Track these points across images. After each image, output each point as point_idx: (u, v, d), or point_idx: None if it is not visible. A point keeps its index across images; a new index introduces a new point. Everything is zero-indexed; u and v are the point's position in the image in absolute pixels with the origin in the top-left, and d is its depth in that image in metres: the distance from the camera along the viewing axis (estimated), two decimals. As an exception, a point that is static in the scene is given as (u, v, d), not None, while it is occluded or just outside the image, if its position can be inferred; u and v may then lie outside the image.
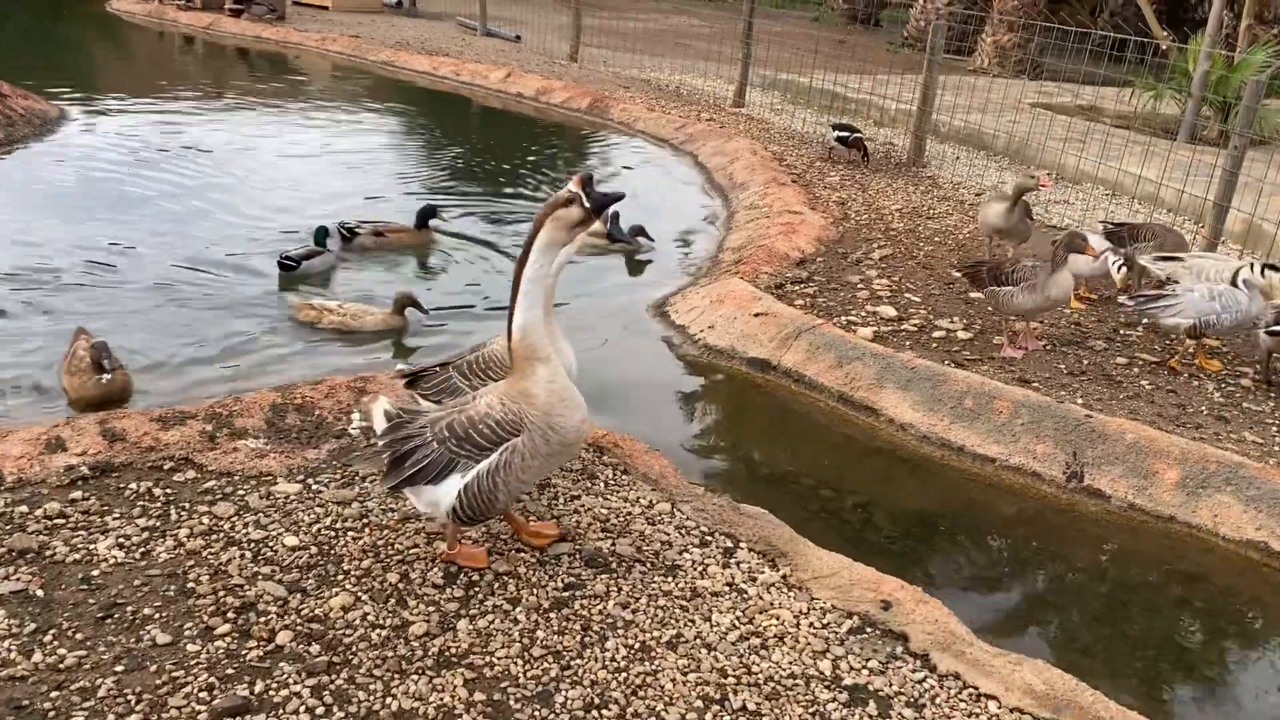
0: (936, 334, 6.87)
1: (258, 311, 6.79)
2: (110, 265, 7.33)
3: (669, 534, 4.36)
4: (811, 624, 3.87)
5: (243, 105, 13.40)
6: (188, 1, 20.49)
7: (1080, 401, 5.97)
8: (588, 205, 3.58)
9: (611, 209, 6.41)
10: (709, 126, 13.07)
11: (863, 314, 7.13)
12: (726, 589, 4.03)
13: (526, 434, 3.74)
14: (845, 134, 11.67)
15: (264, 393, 5.07)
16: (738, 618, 3.86)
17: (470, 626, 3.68)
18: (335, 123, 12.89)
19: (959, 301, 7.50)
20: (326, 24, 20.28)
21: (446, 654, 3.53)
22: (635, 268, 8.50)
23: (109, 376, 5.33)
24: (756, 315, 6.89)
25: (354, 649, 3.51)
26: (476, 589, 3.88)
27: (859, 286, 7.70)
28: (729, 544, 4.34)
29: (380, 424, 3.84)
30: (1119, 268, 6.95)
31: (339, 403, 5.11)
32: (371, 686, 3.36)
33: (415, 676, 3.42)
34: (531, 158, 12.05)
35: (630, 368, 6.51)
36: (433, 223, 8.51)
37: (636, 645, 3.67)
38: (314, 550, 4.02)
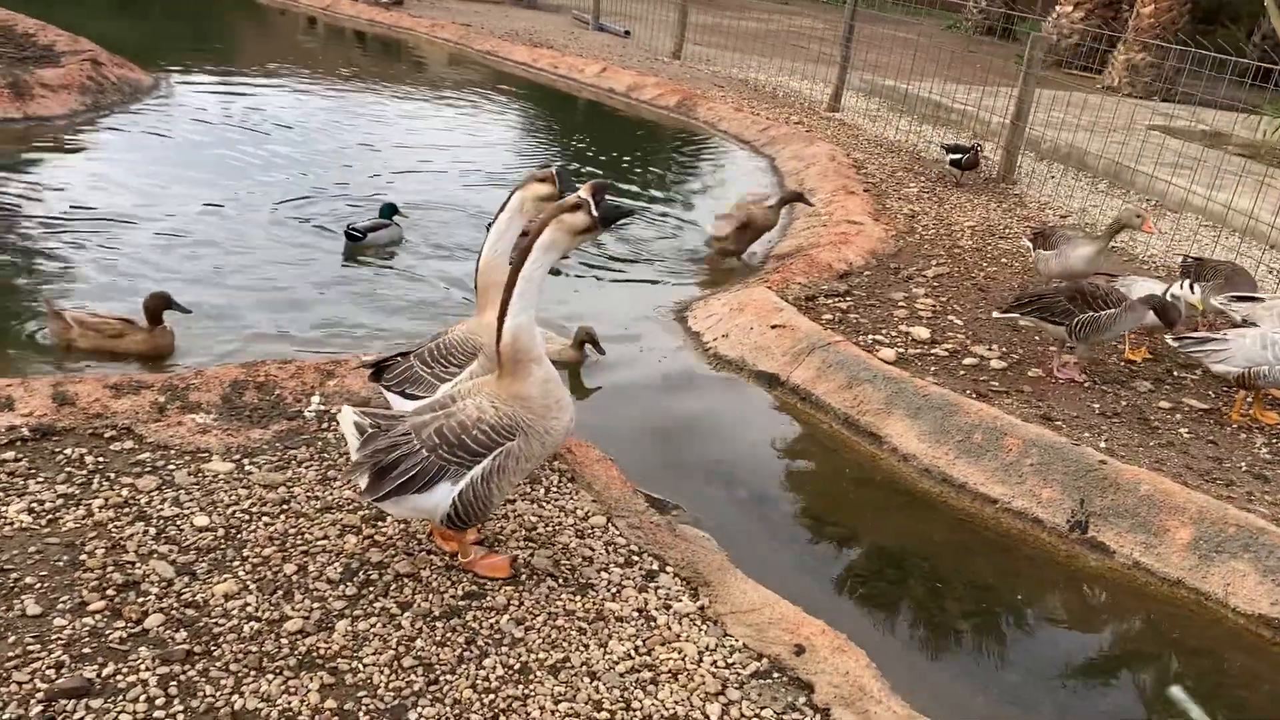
0: (968, 360, 6.43)
1: (319, 277, 7.12)
2: (180, 231, 7.53)
3: (594, 549, 4.12)
4: (714, 662, 3.59)
5: (336, 84, 13.61)
6: (313, -17, 20.99)
7: (1103, 445, 5.48)
8: (595, 214, 3.50)
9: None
10: (793, 129, 12.69)
11: (892, 334, 6.74)
12: (635, 615, 3.77)
13: (522, 437, 3.62)
14: (959, 155, 10.74)
15: (229, 368, 5.02)
16: (636, 647, 3.60)
17: (349, 628, 3.51)
18: (428, 106, 12.98)
19: (1004, 328, 7.01)
20: (443, 11, 20.54)
21: (314, 655, 3.38)
22: (670, 270, 8.24)
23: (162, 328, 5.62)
24: (774, 327, 6.56)
25: (220, 640, 3.39)
26: (371, 589, 3.72)
27: (899, 304, 7.28)
28: (654, 566, 4.07)
29: (352, 435, 3.64)
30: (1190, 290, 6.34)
31: (303, 384, 5.02)
32: (223, 681, 3.23)
33: (271, 675, 3.27)
34: (603, 152, 11.88)
35: (627, 372, 6.27)
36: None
37: (516, 666, 3.45)
38: (221, 533, 3.92)
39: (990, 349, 6.64)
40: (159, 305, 5.59)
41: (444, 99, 13.63)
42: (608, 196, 3.57)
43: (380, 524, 4.09)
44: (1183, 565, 4.72)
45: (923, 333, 6.75)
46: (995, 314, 6.64)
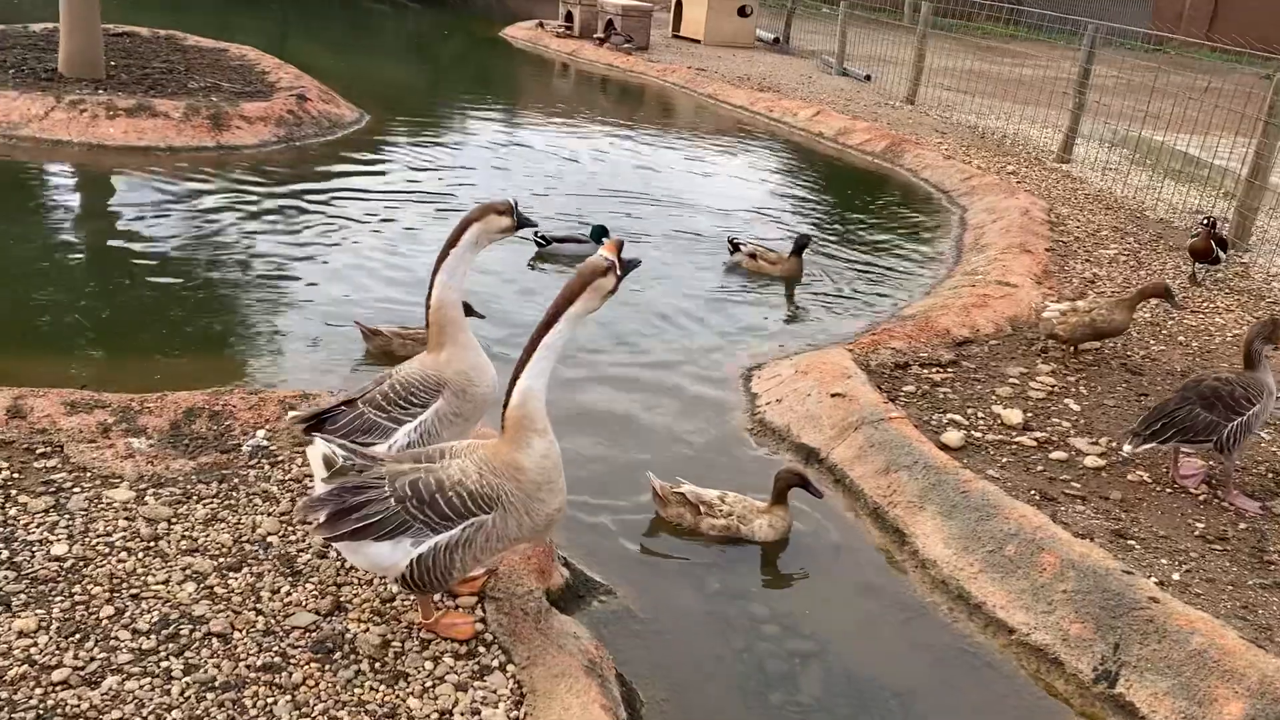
0: (1056, 455, 5.38)
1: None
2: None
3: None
4: (484, 790, 3.02)
5: (545, 117, 13.85)
6: (566, 29, 21.73)
7: (1177, 577, 4.36)
8: (620, 275, 3.37)
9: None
10: (996, 180, 11.54)
11: (978, 415, 5.77)
12: (433, 717, 3.26)
13: (500, 513, 3.37)
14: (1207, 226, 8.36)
15: (193, 394, 4.94)
16: (406, 756, 3.10)
17: (116, 685, 3.24)
18: (644, 145, 12.92)
19: (1126, 419, 5.84)
20: (685, 56, 20.58)
21: (59, 710, 3.12)
22: (785, 318, 7.59)
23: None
24: (834, 395, 5.79)
25: (-26, 682, 3.21)
26: (172, 644, 3.43)
27: (1010, 380, 6.26)
28: (496, 661, 3.53)
29: (319, 470, 3.45)
30: None
31: (260, 415, 4.87)
32: (-53, 726, 3.04)
33: (-2, 727, 3.05)
34: (783, 192, 11.26)
35: (649, 437, 5.69)
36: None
37: (259, 757, 3.04)
38: (69, 564, 3.78)
39: (1094, 443, 5.53)
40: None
41: (661, 138, 13.50)
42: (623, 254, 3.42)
43: (233, 575, 3.81)
44: (1224, 751, 3.60)
45: (1014, 416, 5.73)
46: (1126, 449, 5.11)
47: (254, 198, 9.09)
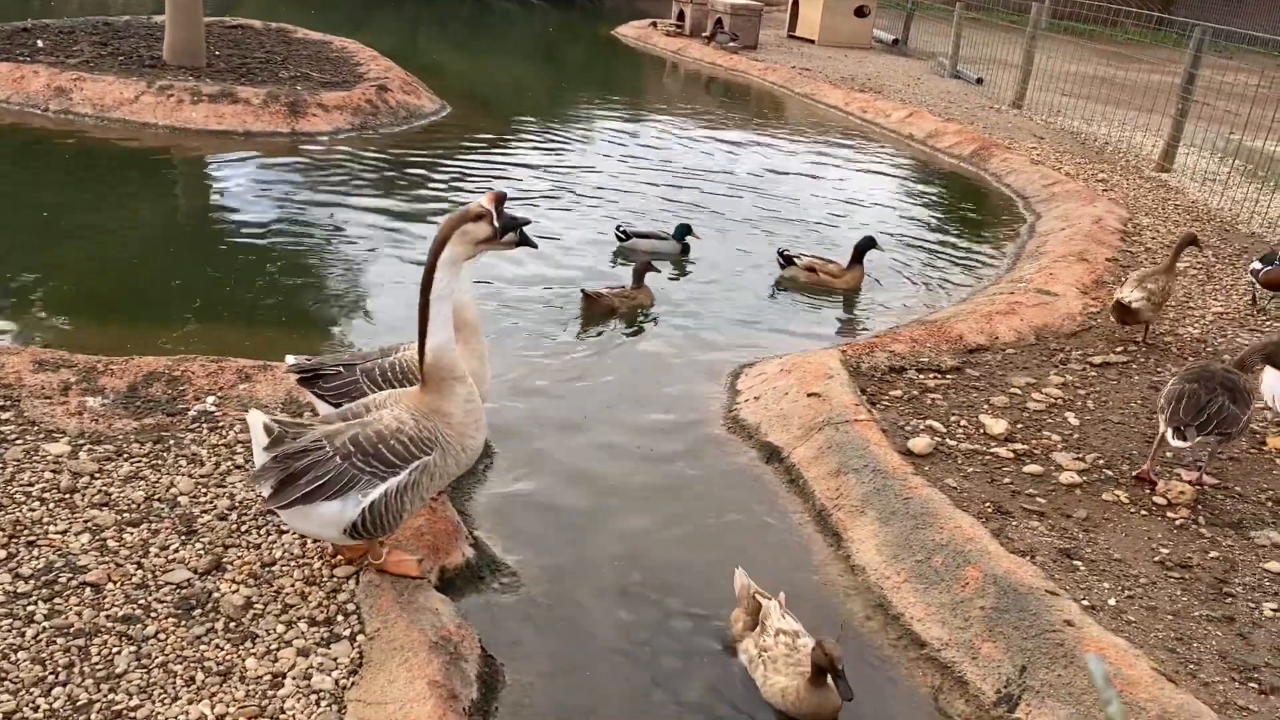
0: (1031, 468, 5.08)
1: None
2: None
3: (309, 593, 3.68)
4: (286, 754, 3.03)
5: (628, 110, 13.90)
6: (677, 28, 21.73)
7: (1113, 601, 4.07)
8: (496, 225, 3.47)
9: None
10: (1079, 187, 11.00)
11: (961, 424, 5.51)
12: (266, 678, 3.29)
13: (439, 452, 3.59)
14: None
15: (157, 359, 5.13)
16: (224, 714, 3.13)
17: (-26, 625, 3.39)
18: (735, 142, 12.85)
19: (1128, 437, 5.49)
20: (794, 56, 20.29)
21: (-85, 643, 3.29)
22: (807, 319, 7.40)
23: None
24: (810, 395, 5.61)
25: None
26: (45, 590, 3.56)
27: (1011, 390, 5.96)
28: (348, 631, 3.55)
29: (261, 439, 3.56)
30: None
31: (217, 383, 5.02)
32: None
33: None
34: (855, 193, 10.99)
35: (620, 418, 5.64)
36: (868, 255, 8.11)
37: (82, 701, 3.12)
38: (-21, 512, 3.97)
39: (1080, 459, 5.20)
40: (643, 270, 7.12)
41: (752, 134, 13.39)
42: (506, 207, 3.53)
43: (130, 530, 3.94)
44: (1104, 788, 3.33)
45: (998, 426, 5.44)
46: (1177, 443, 4.70)
47: (314, 178, 9.39)
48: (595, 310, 7.00)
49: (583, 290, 7.07)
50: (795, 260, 8.02)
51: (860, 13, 22.08)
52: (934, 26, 24.30)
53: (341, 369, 4.21)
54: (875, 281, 8.30)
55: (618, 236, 8.34)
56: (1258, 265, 7.59)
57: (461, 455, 3.65)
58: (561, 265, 7.97)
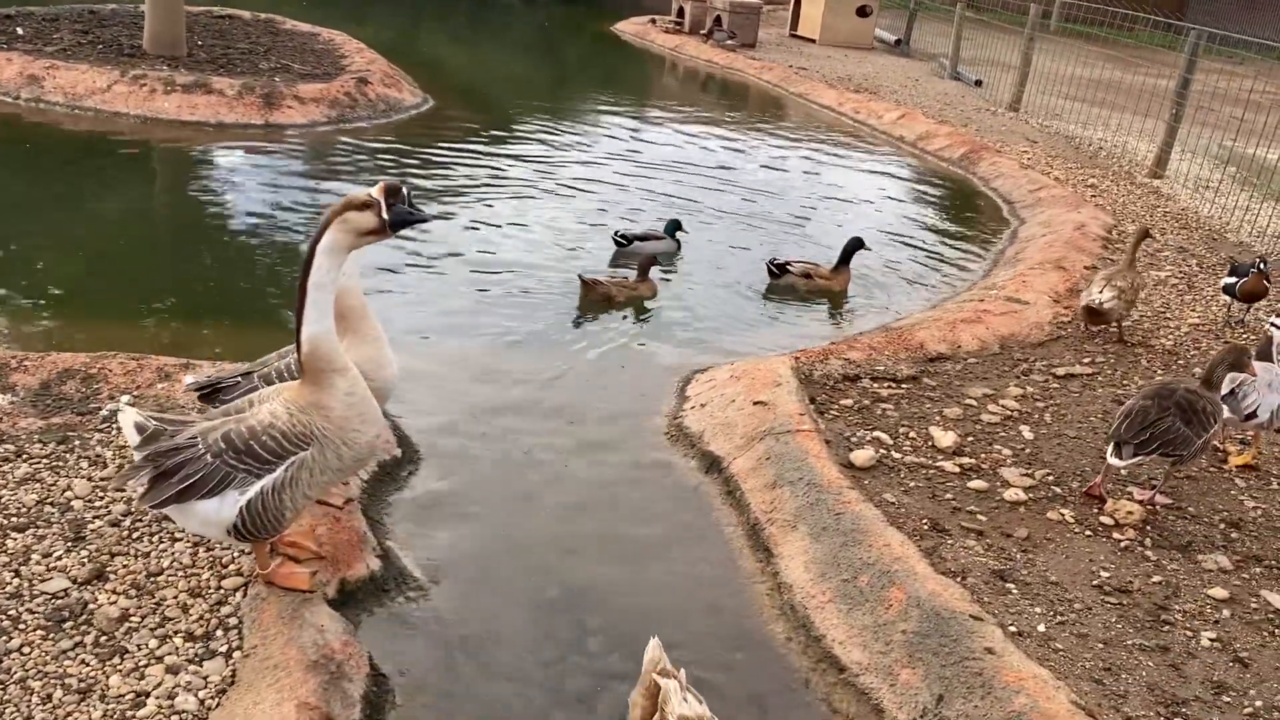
0: (975, 484, 4.89)
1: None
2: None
3: (192, 606, 3.52)
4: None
5: (610, 107, 13.72)
6: (676, 25, 21.54)
7: (1042, 628, 3.87)
8: (385, 217, 3.29)
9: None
10: (1066, 193, 10.79)
11: (909, 435, 5.32)
12: (128, 697, 3.13)
13: (317, 447, 3.41)
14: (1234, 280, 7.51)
15: (76, 355, 4.98)
16: (74, 735, 2.98)
17: None
18: (723, 138, 12.67)
19: (1083, 454, 5.30)
20: (792, 55, 20.08)
21: None
22: (766, 325, 7.21)
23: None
24: (756, 403, 5.43)
25: None
26: (-87, 598, 3.42)
27: (966, 401, 5.77)
28: (225, 647, 3.38)
29: (133, 437, 3.44)
30: None
31: (133, 382, 4.86)
32: None
33: None
34: (836, 193, 10.79)
35: (557, 421, 5.47)
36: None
37: (-73, 719, 2.98)
38: None
39: (1028, 475, 5.01)
40: (647, 264, 7.27)
41: (740, 132, 13.21)
42: (400, 201, 3.34)
43: (15, 535, 3.78)
44: (1012, 829, 3.15)
45: (947, 439, 5.25)
46: (1115, 461, 4.60)
47: (273, 173, 9.24)
48: (591, 298, 7.02)
49: (580, 276, 7.09)
50: (789, 268, 7.79)
51: (862, 12, 21.86)
52: (938, 27, 24.01)
53: (240, 379, 4.05)
54: (876, 283, 8.18)
55: (616, 242, 8.11)
56: (1230, 280, 7.32)
57: (344, 450, 3.44)
58: (526, 255, 7.84)
